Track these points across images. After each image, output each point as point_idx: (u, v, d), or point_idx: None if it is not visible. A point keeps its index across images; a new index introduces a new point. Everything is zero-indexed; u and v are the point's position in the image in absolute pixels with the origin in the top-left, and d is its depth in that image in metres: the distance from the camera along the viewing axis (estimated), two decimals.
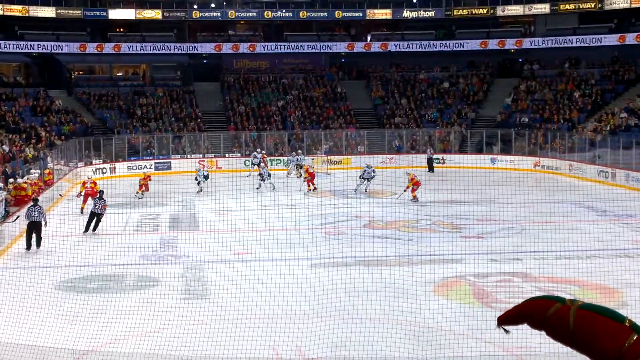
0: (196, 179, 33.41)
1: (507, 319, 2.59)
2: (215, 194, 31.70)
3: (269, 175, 34.41)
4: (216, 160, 44.17)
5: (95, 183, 28.78)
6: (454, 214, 27.19)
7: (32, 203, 22.28)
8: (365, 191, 32.94)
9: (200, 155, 44.75)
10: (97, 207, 24.27)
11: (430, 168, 42.10)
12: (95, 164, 41.24)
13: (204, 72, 54.86)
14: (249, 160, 41.74)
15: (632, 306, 14.09)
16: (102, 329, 13.10)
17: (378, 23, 57.69)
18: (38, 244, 21.55)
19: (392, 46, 55.31)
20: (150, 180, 32.90)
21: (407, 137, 47.76)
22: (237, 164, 43.19)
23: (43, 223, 21.53)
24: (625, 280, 15.77)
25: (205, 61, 55.96)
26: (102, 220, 24.15)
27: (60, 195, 31.17)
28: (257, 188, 33.56)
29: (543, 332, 2.69)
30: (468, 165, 39.66)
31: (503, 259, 19.77)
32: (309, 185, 33.60)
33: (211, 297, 16.19)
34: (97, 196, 25.03)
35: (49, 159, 36.00)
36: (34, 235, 21.47)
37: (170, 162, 42.86)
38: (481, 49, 54.25)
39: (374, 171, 33.05)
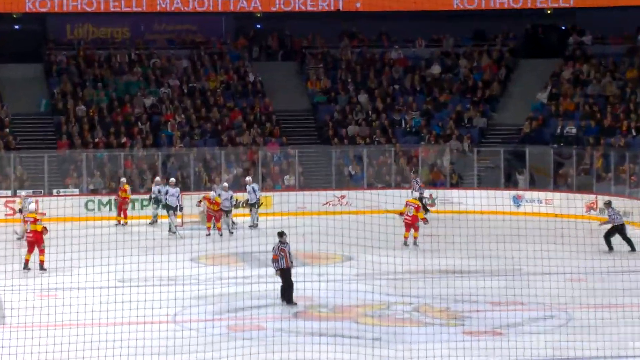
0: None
1: None
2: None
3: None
4: (37, 201, 29.98)
5: (125, 190, 30.99)
6: (451, 292, 20.87)
7: None
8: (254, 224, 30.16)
9: (8, 192, 32.83)
10: None
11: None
12: None
13: (15, 46, 41.78)
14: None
15: None
16: None
17: None
18: None
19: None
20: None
21: (371, 160, 36.74)
22: (79, 208, 31.36)
23: None
24: None
25: (17, 26, 42.50)
26: None
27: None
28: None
29: None
30: (475, 210, 31.41)
31: None
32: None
33: None
34: None
35: None
36: None
37: None
38: (497, 8, 41.75)
39: (254, 190, 30.35)
